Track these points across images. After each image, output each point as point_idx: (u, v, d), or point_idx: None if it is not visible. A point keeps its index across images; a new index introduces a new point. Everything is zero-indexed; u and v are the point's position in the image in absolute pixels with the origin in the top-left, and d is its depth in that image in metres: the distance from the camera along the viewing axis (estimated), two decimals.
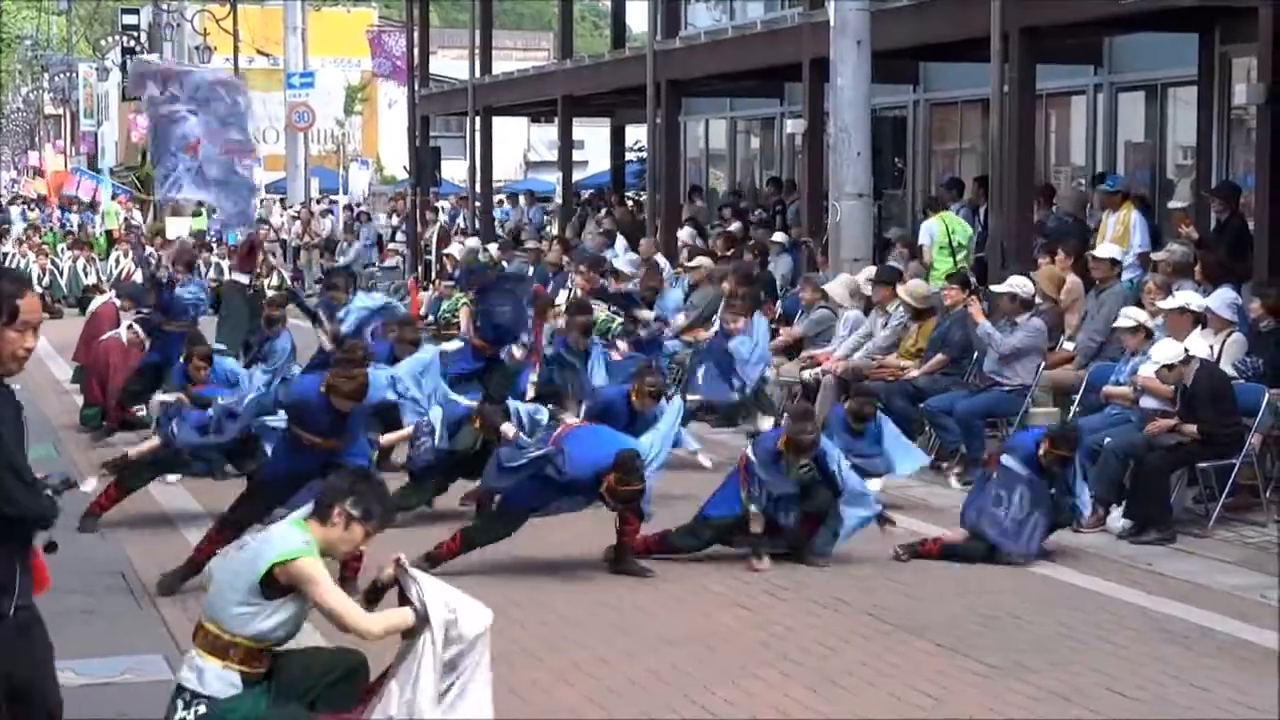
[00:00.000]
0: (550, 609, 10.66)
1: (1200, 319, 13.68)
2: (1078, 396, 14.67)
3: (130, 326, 18.38)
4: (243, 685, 6.87)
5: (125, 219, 49.14)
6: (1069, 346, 15.91)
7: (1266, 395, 12.92)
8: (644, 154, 32.76)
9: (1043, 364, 15.39)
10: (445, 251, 30.22)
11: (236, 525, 10.86)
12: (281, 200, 47.65)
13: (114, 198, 52.66)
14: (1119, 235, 18.01)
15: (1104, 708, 8.57)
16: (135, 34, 59.42)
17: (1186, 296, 13.89)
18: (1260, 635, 9.94)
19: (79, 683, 8.51)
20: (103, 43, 68.29)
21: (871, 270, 18.13)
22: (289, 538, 6.90)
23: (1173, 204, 19.87)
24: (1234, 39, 19.12)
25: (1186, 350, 12.77)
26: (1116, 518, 12.84)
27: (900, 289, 16.93)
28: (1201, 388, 12.69)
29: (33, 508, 5.87)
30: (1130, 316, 13.95)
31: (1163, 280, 14.88)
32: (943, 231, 19.85)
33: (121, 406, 17.64)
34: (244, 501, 11.27)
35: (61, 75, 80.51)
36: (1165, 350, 12.84)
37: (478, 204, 37.46)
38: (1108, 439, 13.04)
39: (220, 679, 6.85)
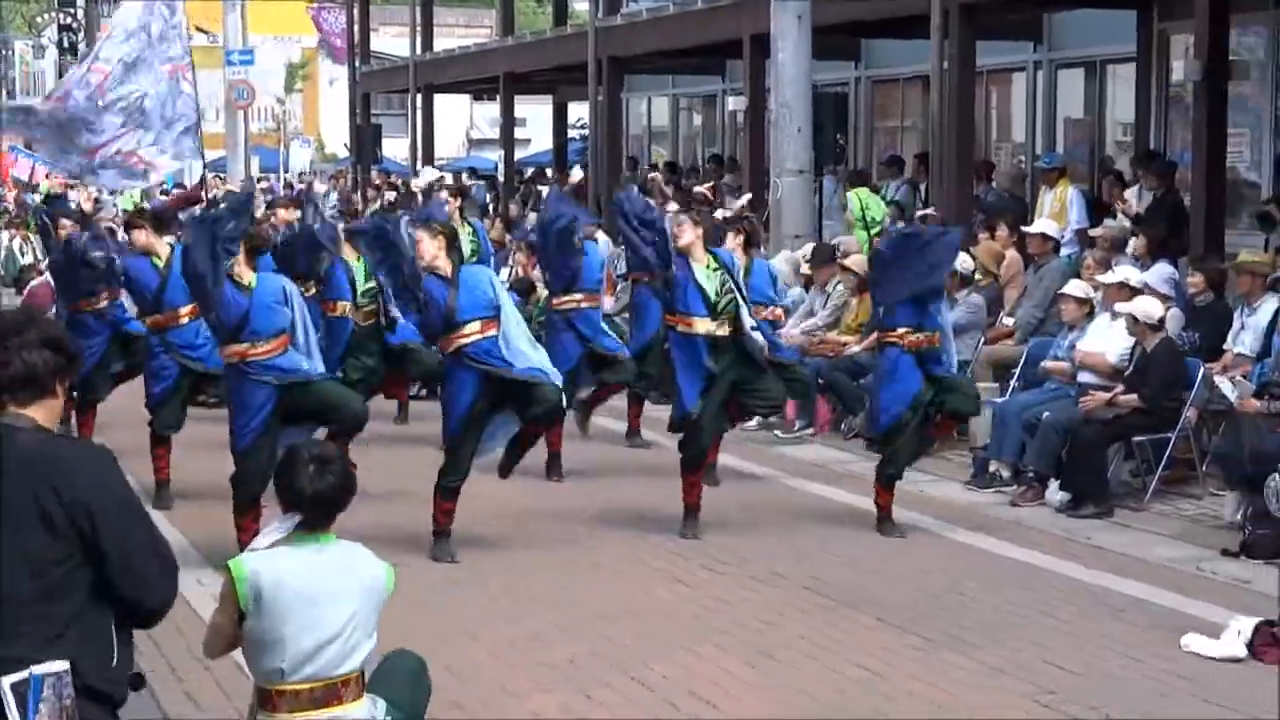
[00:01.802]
0: (485, 587, 10.62)
1: (1138, 294, 13.72)
2: (1017, 371, 14.70)
3: None
4: None
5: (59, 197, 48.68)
6: (1008, 322, 15.95)
7: (1202, 369, 12.97)
8: (586, 131, 32.70)
9: (982, 339, 15.44)
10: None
11: None
12: (219, 178, 47.32)
13: (48, 176, 52.21)
14: (1056, 212, 18.10)
15: (1041, 679, 8.59)
16: (71, 11, 58.98)
17: (1125, 271, 13.94)
18: (1196, 607, 9.97)
19: None
20: (39, 19, 67.78)
21: (810, 248, 18.12)
22: None
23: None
24: (1172, 16, 19.22)
25: (1161, 319, 12.82)
26: (1054, 491, 12.90)
27: (849, 260, 16.89)
28: (1160, 357, 12.74)
29: (168, 598, 5.27)
30: (1079, 286, 13.98)
31: (1102, 255, 14.93)
32: (857, 207, 19.91)
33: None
34: None
35: None
36: (1144, 305, 12.87)
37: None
38: (1046, 413, 13.08)
39: None
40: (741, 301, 11.83)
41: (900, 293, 11.81)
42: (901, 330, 11.87)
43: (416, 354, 13.40)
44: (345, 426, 11.12)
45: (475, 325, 11.10)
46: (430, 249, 11.16)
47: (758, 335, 11.89)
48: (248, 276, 10.98)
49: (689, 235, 11.87)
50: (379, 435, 13.93)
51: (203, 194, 19.62)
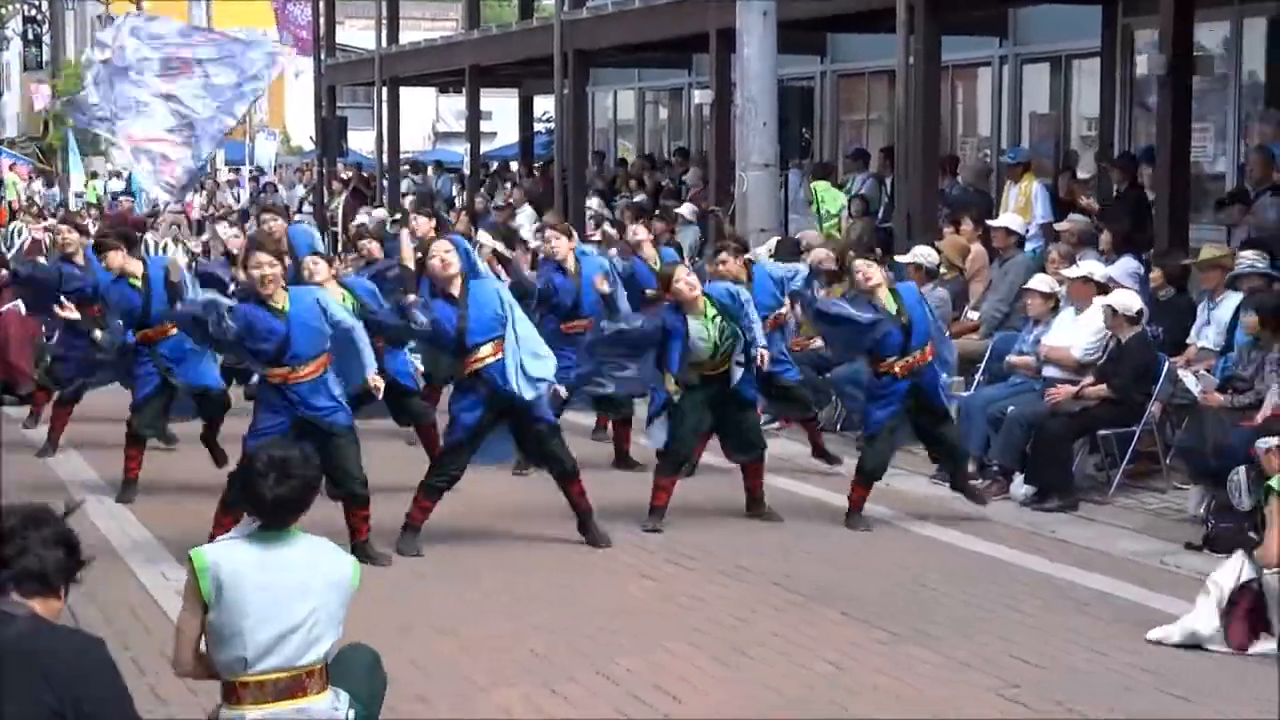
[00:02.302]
0: (453, 581, 10.62)
1: (1104, 288, 13.77)
2: (982, 366, 14.75)
3: None
4: None
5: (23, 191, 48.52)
6: (973, 316, 16.00)
7: (1166, 363, 13.03)
8: (552, 125, 32.66)
9: (947, 333, 15.47)
10: (356, 222, 30.00)
11: None
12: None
13: (12, 168, 52.01)
14: (1021, 206, 18.17)
15: (1006, 673, 8.62)
16: (36, 2, 58.69)
17: (1089, 266, 13.99)
18: (1160, 600, 10.02)
19: None
20: (3, 11, 67.46)
21: (774, 241, 18.11)
22: None
23: (1080, 174, 20.05)
24: (1136, 11, 19.28)
25: (1139, 312, 12.87)
26: (1019, 485, 12.94)
27: (812, 255, 16.88)
28: (1133, 349, 12.80)
29: None
30: (1043, 280, 14.00)
31: (1066, 250, 14.97)
32: (816, 200, 20.18)
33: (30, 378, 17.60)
34: None
35: None
36: (1124, 298, 12.92)
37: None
38: (1011, 407, 13.13)
39: None
40: (742, 337, 11.92)
41: (849, 354, 12.11)
42: (890, 359, 12.01)
43: (409, 403, 13.55)
44: (340, 492, 11.06)
45: (488, 348, 11.15)
46: (440, 267, 11.25)
47: (738, 370, 11.95)
48: (280, 299, 10.79)
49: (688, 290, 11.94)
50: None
51: (149, 221, 19.77)
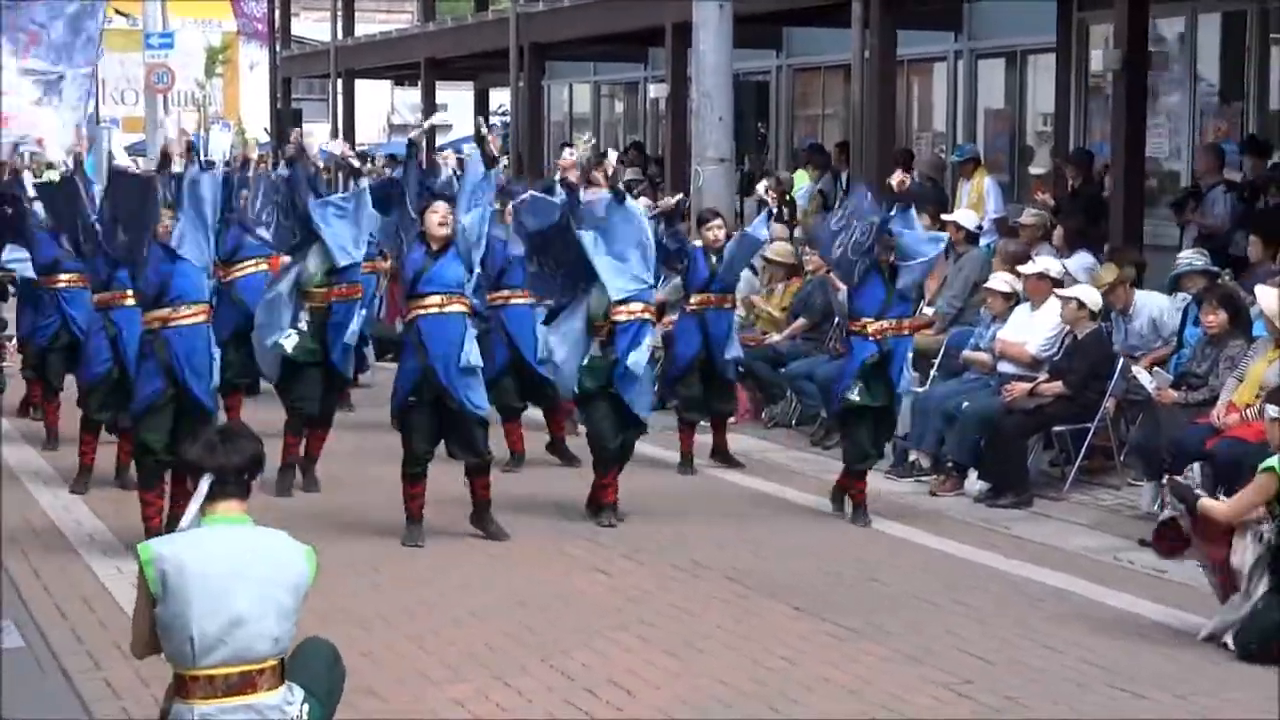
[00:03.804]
0: (403, 573, 10.58)
1: (1059, 284, 13.77)
2: (937, 361, 14.74)
3: None
4: None
5: None
6: (928, 311, 15.98)
7: (1121, 360, 13.04)
8: (508, 118, 32.60)
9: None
10: None
11: None
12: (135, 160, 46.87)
13: None
14: (974, 202, 18.20)
15: (957, 669, 8.61)
16: None
17: (1045, 262, 13.99)
18: (1113, 597, 10.04)
19: None
20: None
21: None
22: None
23: (1034, 169, 20.09)
24: (1091, 5, 19.31)
25: (1095, 311, 12.88)
26: (973, 481, 12.95)
27: (771, 250, 16.88)
28: (1088, 345, 12.82)
29: None
30: (1003, 280, 13.97)
31: (1018, 247, 14.95)
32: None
33: None
34: None
35: None
36: (1086, 292, 12.94)
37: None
38: (965, 403, 13.13)
39: None
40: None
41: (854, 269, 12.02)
42: (864, 320, 11.98)
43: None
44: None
45: (436, 299, 11.17)
46: (434, 220, 11.24)
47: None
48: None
49: None
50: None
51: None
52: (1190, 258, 13.66)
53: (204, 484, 6.19)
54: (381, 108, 63.31)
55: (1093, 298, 12.94)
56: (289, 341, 12.63)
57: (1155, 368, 12.73)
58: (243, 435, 6.35)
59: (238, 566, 6.08)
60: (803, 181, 21.76)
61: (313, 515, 11.46)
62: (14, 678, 8.25)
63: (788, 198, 20.23)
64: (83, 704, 8.07)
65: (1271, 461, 8.83)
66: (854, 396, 11.97)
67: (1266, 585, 8.81)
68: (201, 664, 6.03)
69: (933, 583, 10.40)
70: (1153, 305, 13.55)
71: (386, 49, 34.97)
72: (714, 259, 13.84)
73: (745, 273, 16.68)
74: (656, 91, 23.68)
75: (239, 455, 6.23)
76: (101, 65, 53.02)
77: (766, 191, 18.66)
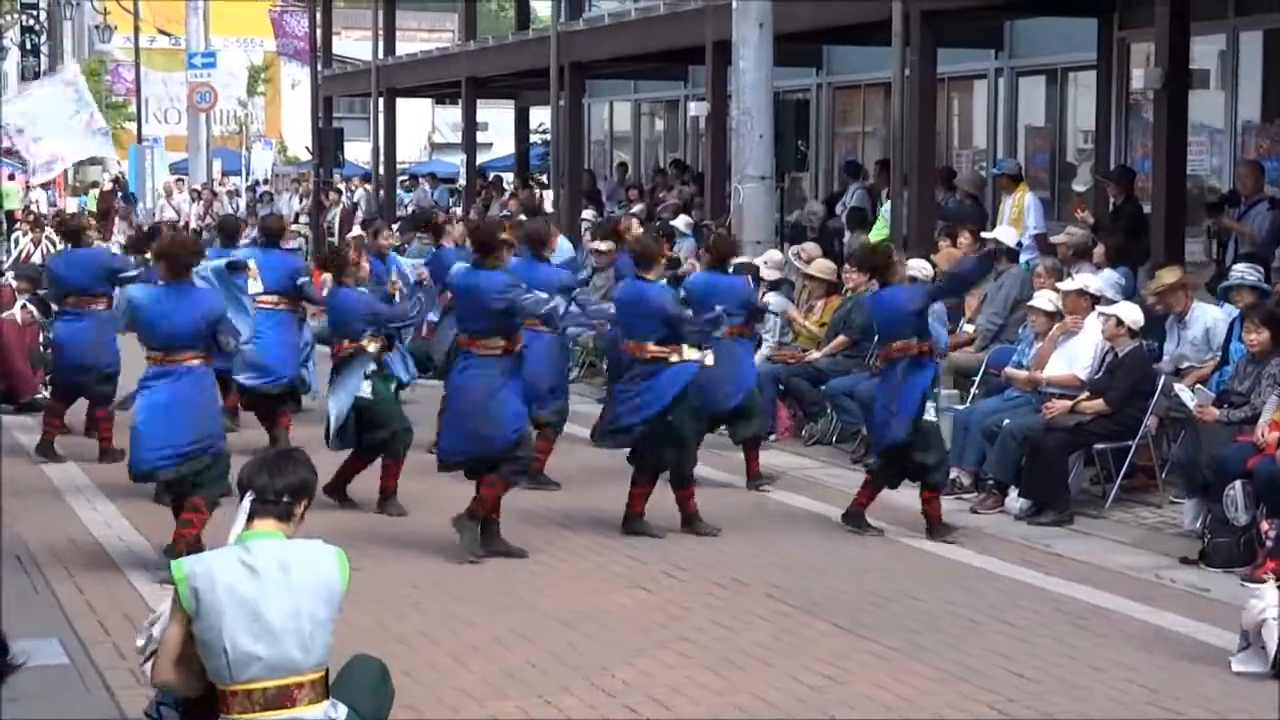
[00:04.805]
0: (446, 590, 10.60)
1: (1098, 301, 13.75)
2: (977, 378, 14.73)
3: (24, 306, 18.15)
4: None
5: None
6: (969, 329, 15.98)
7: (1162, 377, 13.01)
8: (548, 136, 32.68)
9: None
10: (352, 235, 29.95)
11: None
12: (179, 181, 47.13)
13: (11, 178, 51.98)
14: (1015, 218, 18.17)
15: (1000, 687, 8.60)
16: (35, 13, 58.66)
17: (1084, 279, 13.96)
18: (1155, 615, 10.01)
19: None
20: (1, 21, 67.48)
21: (772, 254, 18.10)
22: None
23: (1075, 186, 20.06)
24: (1132, 24, 19.30)
25: (1135, 327, 12.85)
26: (1014, 499, 12.92)
27: (812, 267, 16.89)
28: (1130, 362, 12.78)
29: None
30: (1047, 299, 13.92)
31: (1053, 264, 14.92)
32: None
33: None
34: None
35: None
36: (1126, 309, 12.92)
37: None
38: (1006, 421, 13.10)
39: None
40: None
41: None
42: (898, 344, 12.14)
43: None
44: None
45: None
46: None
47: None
48: None
49: None
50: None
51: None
52: (1244, 271, 13.52)
53: (246, 502, 6.26)
54: (423, 127, 63.59)
55: (1132, 315, 12.90)
56: (368, 386, 12.84)
57: (1197, 385, 12.69)
58: (296, 460, 6.42)
59: (267, 579, 6.12)
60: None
61: (353, 533, 11.47)
62: (58, 694, 8.30)
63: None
64: (121, 715, 8.11)
65: None
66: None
67: None
68: (239, 679, 6.07)
69: (974, 600, 10.39)
70: (1207, 315, 13.52)
71: (427, 68, 35.08)
72: None
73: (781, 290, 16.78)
74: (697, 109, 23.69)
75: (283, 479, 6.30)
76: (145, 84, 53.48)
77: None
